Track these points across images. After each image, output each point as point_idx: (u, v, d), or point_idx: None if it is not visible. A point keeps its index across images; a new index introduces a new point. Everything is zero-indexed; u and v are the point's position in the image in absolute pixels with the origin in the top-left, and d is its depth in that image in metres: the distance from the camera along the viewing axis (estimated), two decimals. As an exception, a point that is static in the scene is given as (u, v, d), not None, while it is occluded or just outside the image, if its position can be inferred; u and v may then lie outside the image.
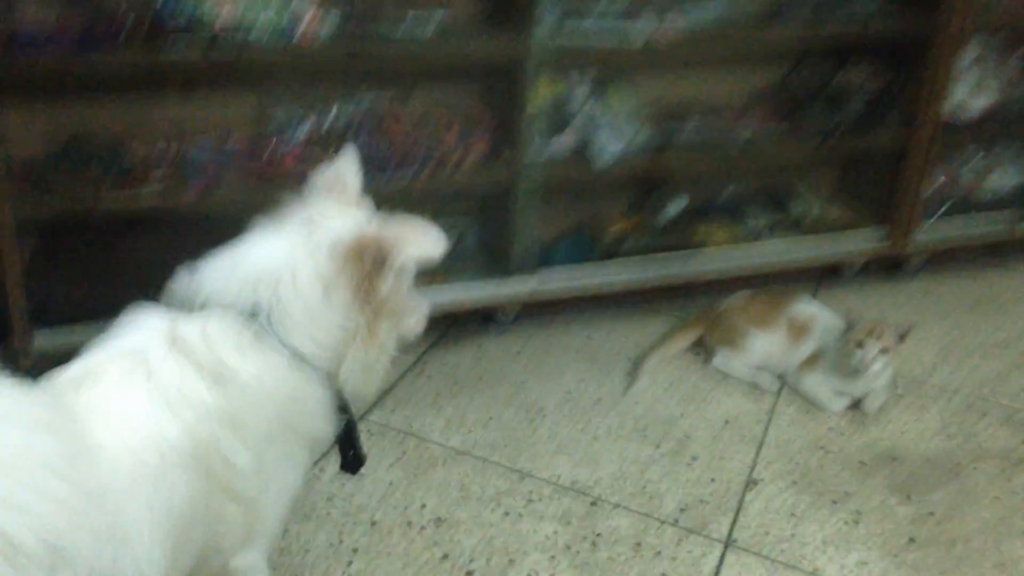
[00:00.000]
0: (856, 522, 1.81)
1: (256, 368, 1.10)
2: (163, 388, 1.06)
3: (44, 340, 1.92)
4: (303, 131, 2.09)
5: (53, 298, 1.95)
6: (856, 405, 2.15)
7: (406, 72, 2.21)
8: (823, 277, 2.72)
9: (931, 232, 2.69)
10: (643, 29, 2.19)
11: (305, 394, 1.15)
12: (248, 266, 1.16)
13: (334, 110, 2.13)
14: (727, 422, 2.08)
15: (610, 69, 2.36)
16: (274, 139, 2.07)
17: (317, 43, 1.92)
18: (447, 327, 2.35)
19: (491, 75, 2.27)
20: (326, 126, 2.10)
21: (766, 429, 2.06)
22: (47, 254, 1.97)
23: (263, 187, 2.02)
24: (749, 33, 2.36)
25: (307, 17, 1.89)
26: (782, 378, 2.21)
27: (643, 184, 2.56)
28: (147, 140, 1.99)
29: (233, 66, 1.99)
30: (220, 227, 2.14)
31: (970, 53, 2.55)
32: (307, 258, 1.15)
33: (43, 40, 1.71)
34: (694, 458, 1.96)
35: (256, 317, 1.12)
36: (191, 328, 1.11)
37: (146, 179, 1.92)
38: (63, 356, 1.93)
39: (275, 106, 2.10)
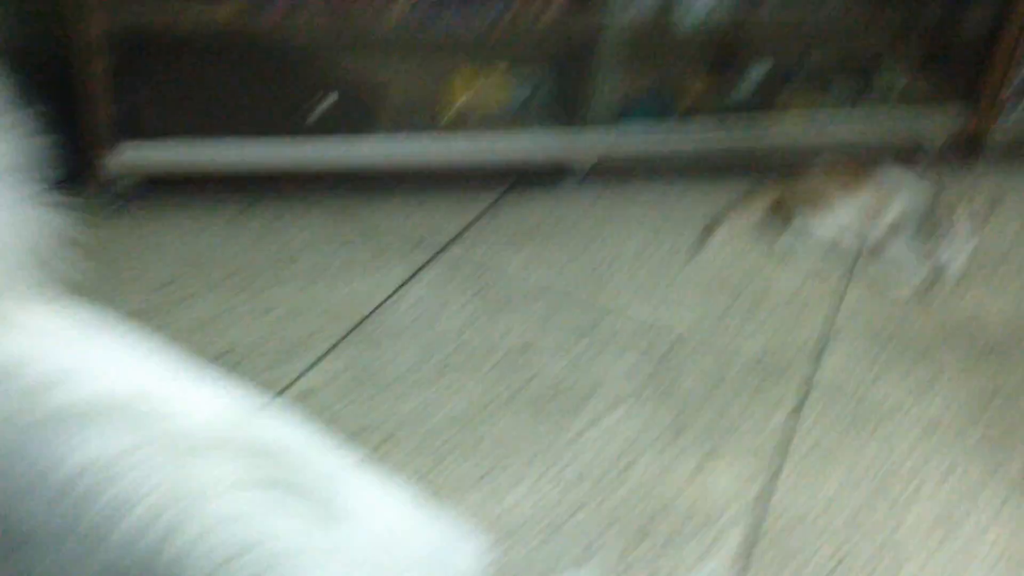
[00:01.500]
0: (936, 379, 1.80)
1: None
2: None
3: (129, 153, 1.91)
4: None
5: (134, 113, 1.93)
6: (935, 274, 2.12)
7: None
8: (904, 150, 2.66)
9: (1018, 113, 2.62)
10: None
11: None
12: None
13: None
14: (804, 283, 2.06)
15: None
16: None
17: None
18: (517, 178, 2.32)
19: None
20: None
21: (844, 293, 2.05)
22: (128, 69, 1.94)
23: (342, 16, 1.98)
24: None
25: None
26: (855, 257, 2.18)
27: (726, 47, 2.49)
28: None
29: None
30: (298, 54, 2.12)
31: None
32: None
33: None
34: (772, 311, 1.95)
35: None
36: None
37: (229, -3, 1.88)
38: (143, 168, 1.94)
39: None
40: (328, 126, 2.07)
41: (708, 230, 2.20)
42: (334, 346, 1.69)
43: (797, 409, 1.68)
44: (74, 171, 2.04)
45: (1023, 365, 1.87)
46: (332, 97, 2.06)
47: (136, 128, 1.93)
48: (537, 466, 1.49)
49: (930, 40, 2.72)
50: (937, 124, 2.57)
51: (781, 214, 2.26)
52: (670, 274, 2.02)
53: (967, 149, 2.69)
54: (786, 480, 1.52)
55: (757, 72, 2.46)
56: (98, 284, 1.74)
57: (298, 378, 1.61)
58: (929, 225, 2.04)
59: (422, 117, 2.24)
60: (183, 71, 2.00)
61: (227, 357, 1.63)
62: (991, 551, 1.43)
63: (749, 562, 1.37)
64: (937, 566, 1.39)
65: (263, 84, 2.06)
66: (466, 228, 2.11)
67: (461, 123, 2.23)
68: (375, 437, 1.50)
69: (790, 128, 2.42)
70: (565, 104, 2.34)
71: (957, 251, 2.08)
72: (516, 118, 2.28)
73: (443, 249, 2.01)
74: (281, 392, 1.57)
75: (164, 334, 1.64)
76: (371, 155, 2.11)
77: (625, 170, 2.39)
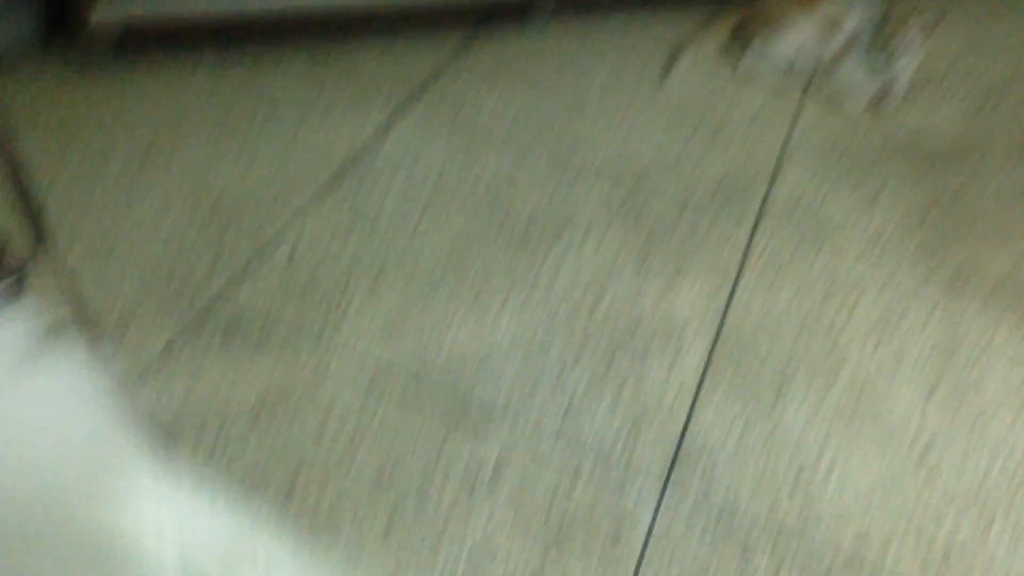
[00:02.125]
0: (878, 195, 1.95)
1: None
2: None
3: (108, 7, 1.92)
4: None
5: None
6: (880, 93, 2.24)
7: None
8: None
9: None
10: None
11: None
12: None
13: None
14: (758, 111, 2.17)
15: None
16: None
17: None
18: (487, 14, 2.36)
19: None
20: None
21: (796, 117, 2.16)
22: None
23: None
24: None
25: None
26: (811, 75, 2.28)
27: None
28: None
29: None
30: None
31: None
32: None
33: None
34: (729, 142, 2.07)
35: None
36: None
37: None
38: (123, 21, 1.95)
39: None
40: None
41: (672, 58, 2.28)
42: (319, 195, 1.79)
43: (754, 227, 1.83)
44: (57, 28, 2.06)
45: (962, 174, 2.03)
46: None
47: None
48: (519, 292, 1.63)
49: None
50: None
51: (741, 38, 2.34)
52: (637, 103, 2.11)
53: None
54: (743, 293, 1.69)
55: None
56: (83, 147, 1.82)
57: (289, 222, 1.71)
58: (880, 40, 2.13)
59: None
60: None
61: (218, 207, 1.73)
62: (922, 349, 1.62)
63: (710, 366, 1.54)
64: (873, 364, 1.58)
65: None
66: (441, 67, 2.16)
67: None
68: (371, 271, 1.63)
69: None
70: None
71: (906, 65, 2.19)
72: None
73: (420, 89, 2.08)
74: (274, 234, 1.67)
75: (155, 193, 1.74)
76: (342, 2, 2.12)
77: (591, 2, 2.43)
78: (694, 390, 1.50)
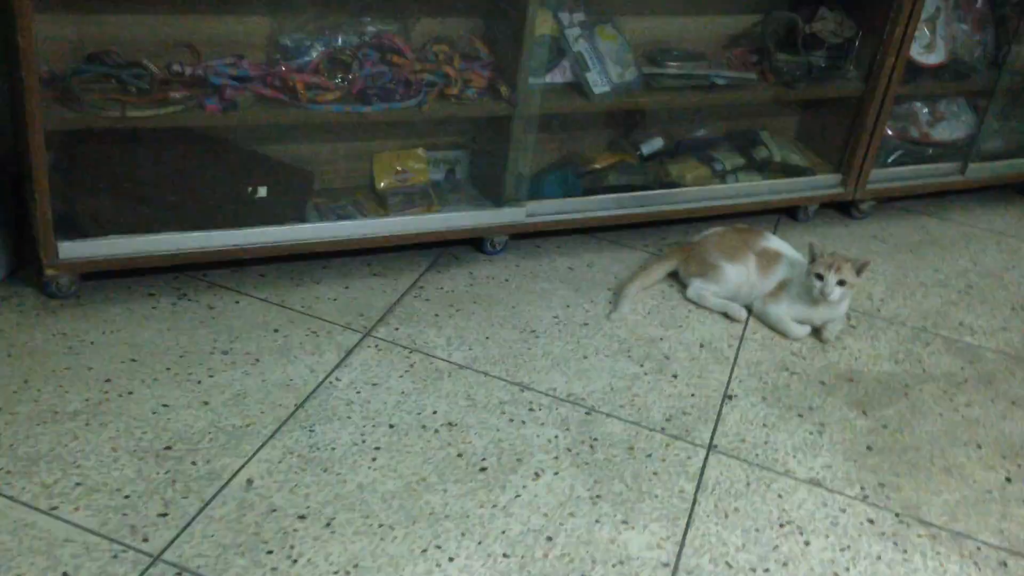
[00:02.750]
0: (820, 432, 2.02)
1: None
2: None
3: (67, 251, 1.98)
4: (311, 57, 2.16)
5: (71, 210, 2.00)
6: (816, 333, 2.36)
7: (412, 3, 2.28)
8: (783, 215, 2.93)
9: (882, 179, 2.91)
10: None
11: None
12: None
13: (339, 39, 2.21)
14: (702, 345, 2.26)
15: (602, 9, 2.48)
16: (283, 65, 2.14)
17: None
18: (440, 253, 2.47)
19: (490, 12, 2.36)
20: (333, 54, 2.18)
21: (737, 352, 2.25)
22: (69, 167, 2.01)
23: (276, 109, 2.10)
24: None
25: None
26: (749, 308, 2.41)
27: (626, 122, 2.71)
28: (164, 59, 2.04)
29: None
30: (230, 147, 2.22)
31: (925, 11, 2.74)
32: None
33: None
34: (675, 375, 2.14)
35: None
36: None
37: (166, 98, 1.97)
38: (81, 264, 2.01)
39: (285, 32, 2.17)
40: (260, 214, 2.18)
41: (621, 288, 2.39)
42: (273, 434, 1.80)
43: (703, 465, 1.86)
44: (21, 263, 2.11)
45: (898, 412, 2.11)
46: (263, 190, 2.16)
47: (72, 226, 2.00)
48: (470, 539, 1.62)
49: (803, 114, 3.00)
50: (813, 190, 2.85)
51: (681, 279, 2.47)
52: (581, 346, 2.19)
53: (840, 211, 2.99)
54: (696, 533, 1.70)
55: (650, 147, 2.69)
56: (44, 378, 1.83)
57: (240, 469, 1.70)
58: (808, 288, 2.27)
59: (348, 200, 2.37)
60: (118, 166, 2.08)
61: (169, 452, 1.72)
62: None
63: (664, 619, 1.53)
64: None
65: (198, 176, 2.15)
66: (392, 306, 2.24)
67: (385, 204, 2.37)
68: (316, 524, 1.61)
69: (682, 198, 2.64)
70: (482, 182, 2.51)
71: (833, 310, 2.32)
72: (436, 197, 2.42)
73: (372, 329, 2.14)
74: (224, 485, 1.66)
75: (112, 426, 1.74)
76: (300, 239, 2.22)
77: (537, 241, 2.57)
78: (648, 646, 1.47)
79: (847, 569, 1.67)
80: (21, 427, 1.72)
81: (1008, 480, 1.95)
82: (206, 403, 1.85)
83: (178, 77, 2.03)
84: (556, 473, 1.80)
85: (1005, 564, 1.74)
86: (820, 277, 2.24)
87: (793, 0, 2.73)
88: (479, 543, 1.62)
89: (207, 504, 1.62)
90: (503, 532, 1.65)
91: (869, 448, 1.99)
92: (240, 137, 2.22)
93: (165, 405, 1.83)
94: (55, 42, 1.95)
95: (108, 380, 1.87)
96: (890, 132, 2.96)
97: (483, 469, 1.78)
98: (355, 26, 2.23)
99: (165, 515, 1.59)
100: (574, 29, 2.42)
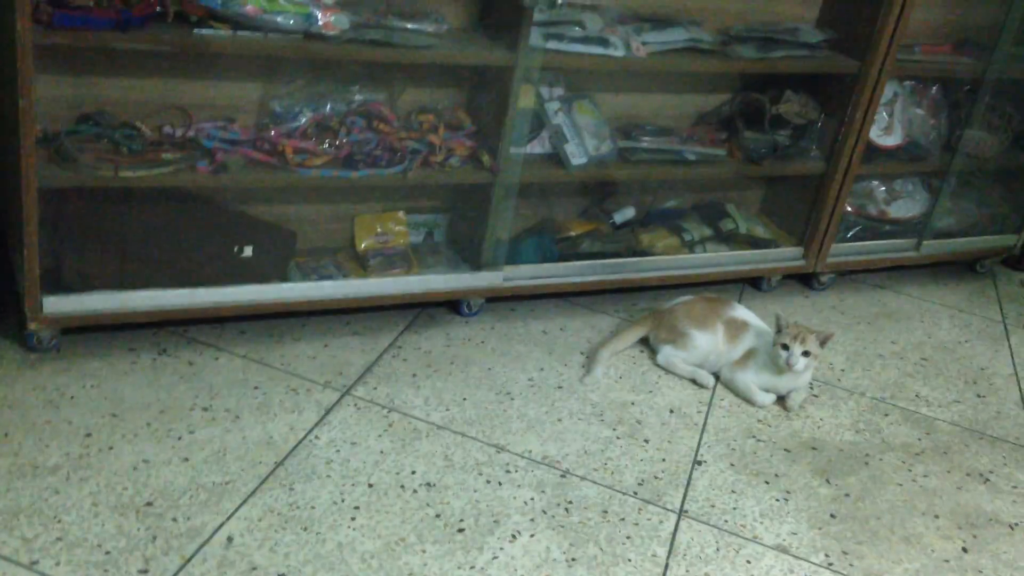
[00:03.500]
0: (786, 499, 2.08)
1: None
2: None
3: (52, 305, 2.00)
4: (300, 123, 2.23)
5: (56, 266, 2.03)
6: (780, 401, 2.44)
7: (399, 74, 2.37)
8: (747, 284, 3.03)
9: (841, 253, 3.04)
10: (614, 53, 2.42)
11: None
12: None
13: (328, 106, 2.28)
14: (672, 410, 2.33)
15: (580, 86, 2.59)
16: (273, 130, 2.20)
17: (335, 31, 2.05)
18: (418, 314, 2.52)
19: (475, 84, 2.45)
20: (322, 120, 2.25)
21: (706, 418, 2.32)
22: (56, 222, 2.04)
23: (265, 172, 2.15)
24: (700, 60, 2.61)
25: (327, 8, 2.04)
26: (717, 375, 2.48)
27: (600, 192, 2.81)
28: (156, 121, 2.09)
29: (249, 52, 2.10)
30: (216, 208, 2.27)
31: (883, 96, 2.89)
32: None
33: (84, 17, 1.80)
34: (646, 440, 2.20)
35: None
36: None
37: (158, 159, 2.02)
38: (64, 320, 2.02)
39: (276, 98, 2.23)
40: (243, 272, 2.22)
41: (594, 352, 2.45)
42: (253, 491, 1.81)
43: (675, 529, 1.91)
44: (5, 315, 2.12)
45: (860, 481, 2.18)
46: (248, 249, 2.20)
47: (57, 281, 2.02)
48: (448, 601, 1.65)
49: (768, 190, 3.13)
50: (775, 263, 2.96)
51: (652, 345, 2.55)
52: (556, 409, 2.24)
53: (801, 283, 3.10)
54: (665, 601, 1.74)
55: (622, 217, 2.78)
56: (18, 438, 1.83)
57: (219, 528, 1.72)
58: (774, 358, 2.35)
59: (330, 260, 2.42)
60: (106, 223, 2.11)
61: (149, 509, 1.73)
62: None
63: None
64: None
65: (184, 234, 2.19)
66: (371, 366, 2.27)
67: (365, 265, 2.42)
68: (300, 581, 1.63)
69: (652, 267, 2.73)
70: (461, 245, 2.58)
71: (797, 379, 2.41)
72: (416, 259, 2.48)
73: (351, 388, 2.17)
74: (205, 542, 1.68)
75: (93, 481, 1.75)
76: (281, 298, 2.26)
77: (513, 304, 2.64)
78: None
79: (813, 634, 1.73)
80: (1, 481, 1.73)
81: (964, 551, 2.03)
82: (186, 459, 1.87)
83: (169, 139, 2.08)
84: (532, 535, 1.83)
85: (963, 631, 1.81)
86: (786, 347, 2.32)
87: (761, 82, 2.87)
88: (457, 604, 1.64)
89: (188, 561, 1.63)
90: (481, 594, 1.68)
91: (832, 516, 2.06)
92: (226, 197, 2.27)
93: (146, 461, 1.84)
94: (48, 102, 1.99)
95: (89, 435, 1.88)
96: (849, 209, 3.09)
97: (461, 530, 1.82)
98: (343, 94, 2.30)
99: (146, 571, 1.59)
100: (554, 103, 2.52)
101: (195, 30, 1.96)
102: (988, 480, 2.28)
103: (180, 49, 2.01)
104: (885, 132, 3.02)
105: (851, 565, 1.92)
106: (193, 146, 2.09)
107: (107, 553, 1.62)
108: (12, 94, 1.82)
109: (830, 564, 1.91)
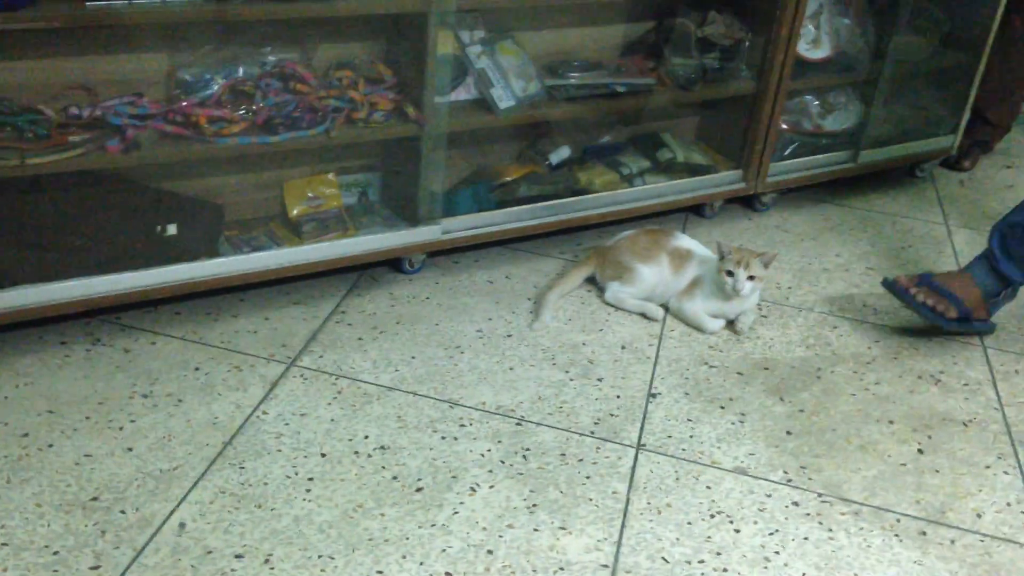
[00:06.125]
0: (742, 422, 2.09)
1: None
2: None
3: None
4: (213, 90, 2.14)
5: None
6: (730, 325, 2.44)
7: (311, 30, 2.28)
8: (690, 213, 3.02)
9: (781, 172, 3.03)
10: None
11: None
12: None
13: (240, 70, 2.20)
14: (623, 347, 2.32)
15: (500, 26, 2.52)
16: (184, 100, 2.11)
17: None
18: (359, 276, 2.48)
19: (391, 35, 2.38)
20: (235, 86, 2.17)
21: (658, 350, 2.32)
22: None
23: (180, 145, 2.07)
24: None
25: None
26: (665, 306, 2.47)
27: (532, 134, 2.76)
28: (60, 103, 2.00)
29: (149, 21, 2.01)
30: (135, 186, 2.19)
31: (808, 9, 2.86)
32: None
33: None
34: (600, 379, 2.19)
35: None
36: None
37: (65, 142, 1.93)
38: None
39: (184, 67, 2.14)
40: (171, 252, 2.15)
41: (541, 296, 2.43)
42: (202, 475, 1.77)
43: (634, 464, 1.91)
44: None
45: (813, 396, 2.20)
46: (172, 227, 2.13)
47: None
48: (412, 561, 1.63)
49: (702, 116, 3.10)
50: (715, 189, 2.94)
51: (599, 283, 2.53)
52: (506, 358, 2.22)
53: (742, 206, 3.09)
54: (632, 531, 1.74)
55: (558, 157, 2.74)
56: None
57: (170, 515, 1.68)
58: (719, 280, 2.35)
59: (262, 231, 2.36)
60: (19, 214, 2.03)
61: (95, 504, 1.68)
62: (806, 573, 1.70)
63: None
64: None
65: (103, 218, 2.11)
66: (315, 334, 2.23)
67: (299, 232, 2.36)
68: (255, 562, 1.60)
69: (592, 205, 2.69)
70: (396, 203, 2.52)
71: (744, 303, 2.40)
72: (351, 220, 2.42)
73: (296, 359, 2.13)
74: (156, 532, 1.64)
75: (35, 481, 1.70)
76: (214, 274, 2.19)
77: (454, 257, 2.59)
78: (594, 648, 1.50)
79: (777, 552, 1.74)
80: (-63, 492, 1.67)
81: (920, 452, 2.05)
82: (130, 449, 1.82)
83: (76, 120, 1.99)
84: (491, 486, 1.82)
85: (924, 533, 1.83)
86: (731, 274, 2.31)
87: (684, 6, 2.82)
88: (420, 564, 1.63)
89: (140, 553, 1.59)
90: (443, 551, 1.66)
91: (789, 433, 2.07)
92: (145, 175, 2.18)
93: (88, 455, 1.79)
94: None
95: (26, 434, 1.82)
96: (785, 126, 3.07)
97: (419, 489, 1.80)
98: (255, 56, 2.22)
99: (97, 568, 1.56)
100: (475, 47, 2.46)
101: (88, 3, 1.87)
102: (940, 381, 2.31)
103: (75, 24, 1.91)
104: (813, 45, 2.99)
105: (810, 479, 1.93)
106: (101, 125, 2.00)
107: (55, 553, 1.57)
108: None
109: (789, 480, 1.92)
